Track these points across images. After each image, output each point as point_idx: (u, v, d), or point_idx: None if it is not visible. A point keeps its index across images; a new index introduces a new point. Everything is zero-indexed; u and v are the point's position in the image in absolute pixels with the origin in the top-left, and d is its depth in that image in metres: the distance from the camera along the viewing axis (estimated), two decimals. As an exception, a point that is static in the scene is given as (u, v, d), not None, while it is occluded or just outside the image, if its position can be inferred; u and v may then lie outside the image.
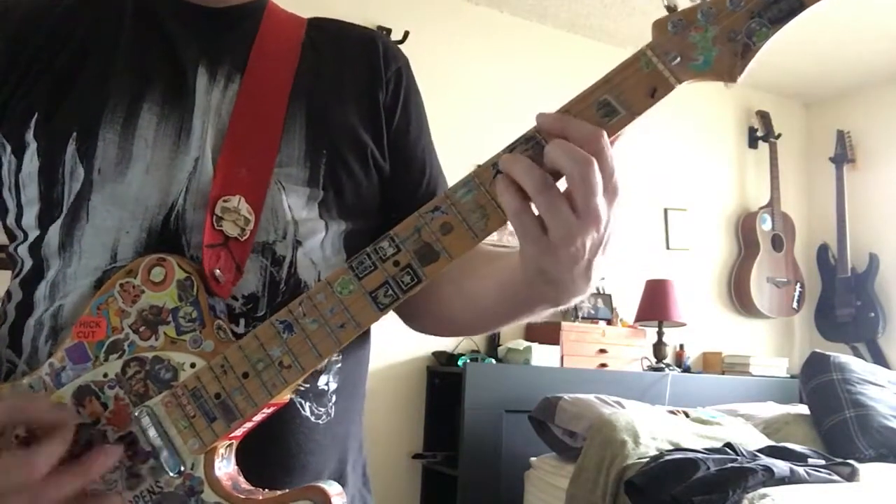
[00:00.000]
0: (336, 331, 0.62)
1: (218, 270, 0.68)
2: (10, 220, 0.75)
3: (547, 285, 0.63)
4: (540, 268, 0.61)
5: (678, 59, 0.59)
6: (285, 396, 0.66)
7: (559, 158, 0.57)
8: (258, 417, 0.65)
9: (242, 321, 0.71)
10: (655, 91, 0.60)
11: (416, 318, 0.86)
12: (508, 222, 0.60)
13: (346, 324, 0.62)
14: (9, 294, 0.75)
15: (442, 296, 0.80)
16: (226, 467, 0.66)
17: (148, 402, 0.65)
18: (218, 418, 0.63)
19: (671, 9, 0.61)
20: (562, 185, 0.58)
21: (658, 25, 0.61)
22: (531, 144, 0.60)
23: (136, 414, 0.64)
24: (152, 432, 0.64)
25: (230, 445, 0.67)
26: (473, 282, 0.77)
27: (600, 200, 0.57)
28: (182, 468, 0.64)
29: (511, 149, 0.60)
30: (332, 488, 0.64)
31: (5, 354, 0.73)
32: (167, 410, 0.64)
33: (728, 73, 0.59)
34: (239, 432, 0.65)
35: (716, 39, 0.59)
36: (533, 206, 0.58)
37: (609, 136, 0.59)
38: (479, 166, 0.61)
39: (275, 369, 0.63)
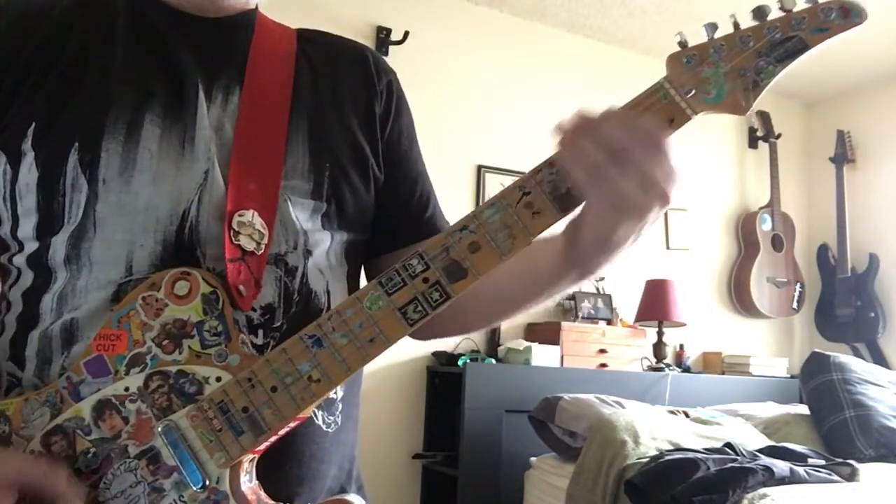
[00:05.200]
0: (365, 345, 0.64)
1: (241, 285, 0.69)
2: (4, 230, 0.73)
3: (599, 253, 0.67)
4: (604, 236, 0.65)
5: (693, 91, 0.63)
6: (309, 410, 0.67)
7: (627, 141, 0.60)
8: (282, 431, 0.65)
9: (261, 332, 0.71)
10: (673, 121, 0.64)
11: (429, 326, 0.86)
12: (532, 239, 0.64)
13: (376, 338, 0.64)
14: (7, 305, 0.73)
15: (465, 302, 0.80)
16: (249, 482, 0.65)
17: (171, 416, 0.64)
18: (245, 432, 0.63)
19: (683, 44, 0.65)
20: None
21: (673, 59, 0.65)
22: (556, 168, 0.63)
23: (160, 428, 0.64)
24: (176, 446, 0.64)
25: (252, 459, 0.66)
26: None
27: (669, 183, 0.61)
28: (206, 482, 0.63)
29: (536, 171, 0.63)
30: (358, 500, 0.67)
31: (5, 367, 0.72)
32: (192, 424, 0.64)
33: (738, 106, 0.63)
34: (262, 446, 0.65)
35: (727, 75, 0.63)
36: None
37: None
38: (505, 188, 0.64)
39: (304, 383, 0.63)
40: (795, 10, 0.63)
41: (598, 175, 0.61)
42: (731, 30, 0.64)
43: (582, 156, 0.61)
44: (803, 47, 0.63)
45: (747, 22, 0.64)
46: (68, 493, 0.62)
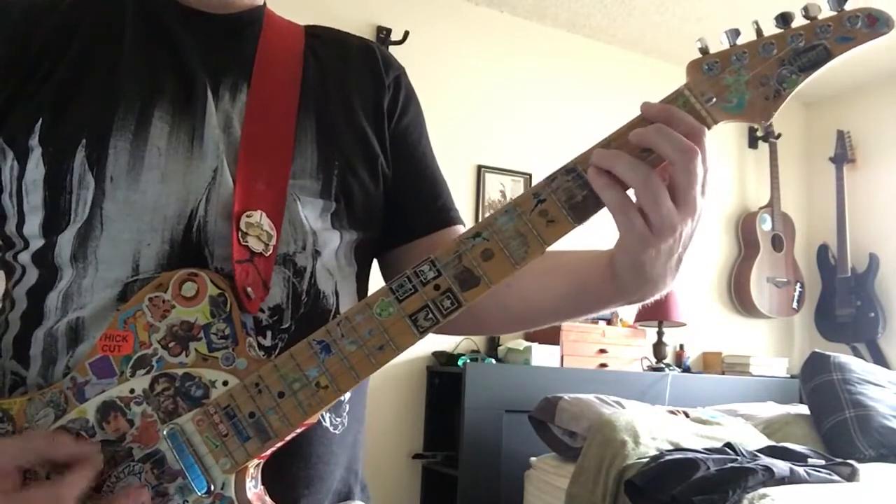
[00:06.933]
0: (374, 353, 0.62)
1: (249, 287, 0.68)
2: (10, 227, 0.72)
3: (638, 280, 0.65)
4: (638, 261, 0.63)
5: (714, 99, 0.61)
6: (316, 416, 0.66)
7: (664, 146, 0.58)
8: (289, 437, 0.65)
9: (269, 333, 0.70)
10: None
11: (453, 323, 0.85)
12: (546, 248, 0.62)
13: (385, 346, 0.62)
14: (11, 302, 0.73)
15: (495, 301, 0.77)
16: (254, 487, 0.65)
17: (177, 420, 0.63)
18: (252, 438, 0.63)
19: (704, 51, 0.62)
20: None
21: (693, 66, 0.62)
22: (572, 176, 0.61)
23: (165, 432, 0.63)
24: (181, 450, 0.63)
25: (258, 465, 0.66)
26: (528, 280, 0.76)
27: (699, 192, 0.59)
28: (212, 487, 0.62)
29: (552, 179, 0.62)
30: None
31: (9, 366, 0.71)
32: (198, 428, 0.63)
33: (759, 115, 0.61)
34: (268, 452, 0.65)
35: (749, 83, 0.61)
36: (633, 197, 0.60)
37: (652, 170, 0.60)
38: (521, 194, 0.63)
39: (311, 390, 0.62)
40: (820, 17, 0.61)
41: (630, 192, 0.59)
42: (753, 36, 0.62)
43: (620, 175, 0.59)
44: (827, 56, 0.60)
45: (770, 28, 0.62)
46: (80, 452, 0.61)
